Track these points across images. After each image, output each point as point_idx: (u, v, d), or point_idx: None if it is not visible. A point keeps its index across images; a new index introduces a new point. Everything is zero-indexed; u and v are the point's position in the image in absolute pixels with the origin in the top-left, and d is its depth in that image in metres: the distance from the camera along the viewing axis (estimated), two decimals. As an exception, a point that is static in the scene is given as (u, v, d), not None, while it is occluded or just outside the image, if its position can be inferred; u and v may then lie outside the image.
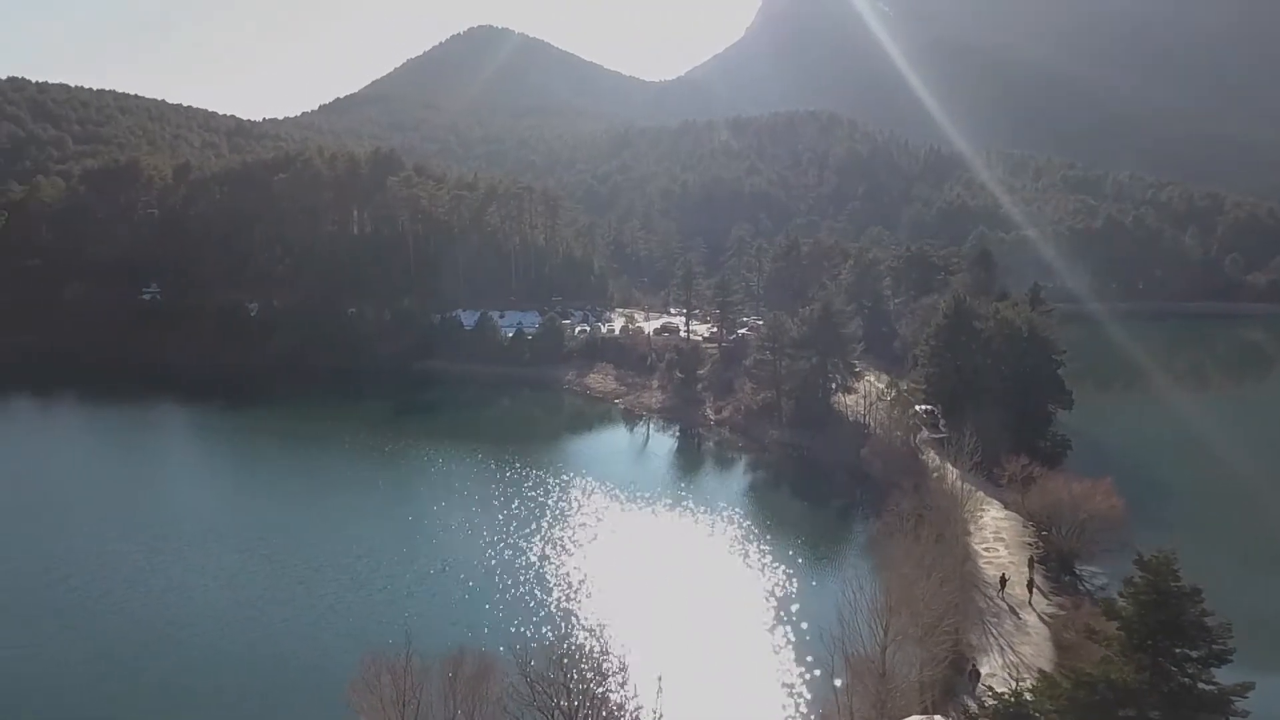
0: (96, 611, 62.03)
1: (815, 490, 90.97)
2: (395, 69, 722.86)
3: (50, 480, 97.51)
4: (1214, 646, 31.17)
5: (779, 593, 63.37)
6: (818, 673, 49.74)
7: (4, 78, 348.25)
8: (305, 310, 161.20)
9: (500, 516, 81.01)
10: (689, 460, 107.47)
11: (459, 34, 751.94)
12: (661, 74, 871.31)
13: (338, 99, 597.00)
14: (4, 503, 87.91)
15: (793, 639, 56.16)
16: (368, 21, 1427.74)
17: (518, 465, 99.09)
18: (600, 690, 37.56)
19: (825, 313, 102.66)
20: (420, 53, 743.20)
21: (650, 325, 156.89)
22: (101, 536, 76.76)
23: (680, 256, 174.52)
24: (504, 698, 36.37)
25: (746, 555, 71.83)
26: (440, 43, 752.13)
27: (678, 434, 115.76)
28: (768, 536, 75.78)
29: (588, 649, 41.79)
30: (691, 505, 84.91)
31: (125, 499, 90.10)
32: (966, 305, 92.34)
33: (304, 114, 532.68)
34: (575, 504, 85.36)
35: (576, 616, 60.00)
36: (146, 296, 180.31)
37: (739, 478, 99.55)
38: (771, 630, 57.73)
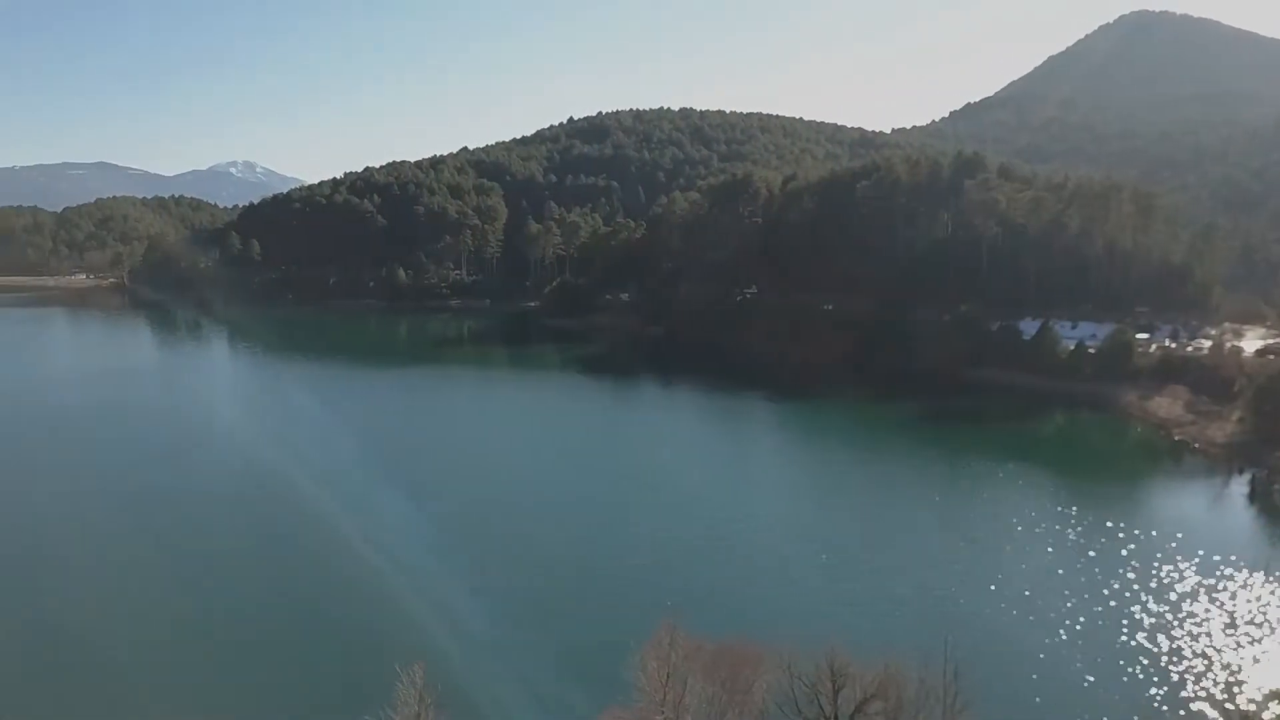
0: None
1: None
2: (1034, 68, 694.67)
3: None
4: None
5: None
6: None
7: (676, 109, 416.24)
8: (873, 311, 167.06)
9: (1000, 554, 77.09)
10: (1246, 513, 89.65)
11: (1108, 24, 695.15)
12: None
13: (968, 104, 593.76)
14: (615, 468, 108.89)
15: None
16: (1007, 22, 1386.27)
17: (1050, 497, 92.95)
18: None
19: None
20: (1062, 48, 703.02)
21: (1253, 345, 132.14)
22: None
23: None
24: (771, 692, 36.53)
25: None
26: (1086, 35, 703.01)
27: (1245, 477, 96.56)
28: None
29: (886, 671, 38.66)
30: (1204, 571, 71.48)
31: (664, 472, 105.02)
32: None
33: (932, 122, 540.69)
34: (1071, 552, 77.68)
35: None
36: (738, 297, 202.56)
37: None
38: None
